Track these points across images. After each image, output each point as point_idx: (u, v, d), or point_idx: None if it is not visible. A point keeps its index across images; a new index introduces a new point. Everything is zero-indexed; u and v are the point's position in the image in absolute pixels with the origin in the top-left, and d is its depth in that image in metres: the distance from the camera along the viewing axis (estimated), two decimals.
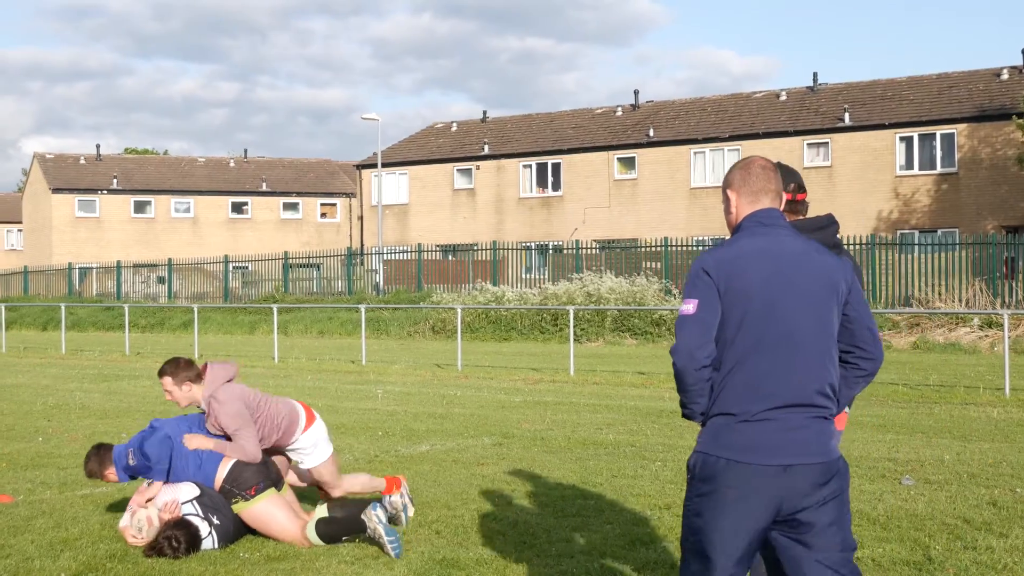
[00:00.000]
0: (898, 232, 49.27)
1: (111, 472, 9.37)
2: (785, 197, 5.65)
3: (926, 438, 14.54)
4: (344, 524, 9.03)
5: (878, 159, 52.78)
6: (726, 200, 5.51)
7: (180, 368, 9.50)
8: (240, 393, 9.28)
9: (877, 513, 9.75)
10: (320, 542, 8.94)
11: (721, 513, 5.06)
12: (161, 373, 9.64)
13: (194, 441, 9.20)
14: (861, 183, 52.06)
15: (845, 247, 6.33)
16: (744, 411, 5.06)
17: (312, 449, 9.67)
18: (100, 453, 9.50)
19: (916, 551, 8.50)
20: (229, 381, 9.40)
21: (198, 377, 9.40)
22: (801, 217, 6.31)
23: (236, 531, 9.19)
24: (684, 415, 5.28)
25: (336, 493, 9.86)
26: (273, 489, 9.20)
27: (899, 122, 52.73)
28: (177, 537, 8.72)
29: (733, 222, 5.48)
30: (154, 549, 8.71)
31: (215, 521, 9.00)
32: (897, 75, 59.98)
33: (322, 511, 9.45)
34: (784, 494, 5.01)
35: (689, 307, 5.14)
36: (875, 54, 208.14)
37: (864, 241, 41.79)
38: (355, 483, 10.07)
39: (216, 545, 8.93)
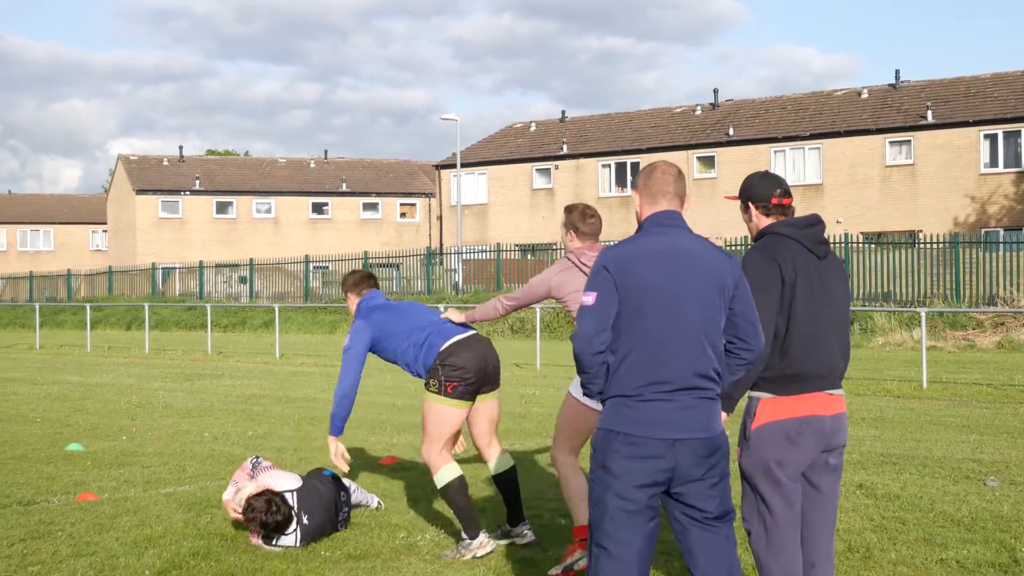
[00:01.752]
0: (982, 230, 48.73)
1: None
2: (772, 202, 6.39)
3: (1011, 439, 14.38)
4: (466, 514, 8.84)
5: (961, 157, 52.23)
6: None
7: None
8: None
9: (961, 515, 9.65)
10: (443, 481, 8.86)
11: (618, 481, 5.58)
12: None
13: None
14: (944, 181, 51.54)
15: (831, 247, 6.69)
16: (637, 392, 5.59)
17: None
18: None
19: (1002, 553, 8.41)
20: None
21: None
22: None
23: (320, 532, 9.25)
24: (585, 394, 5.90)
25: (486, 453, 9.42)
26: (468, 403, 8.96)
27: (983, 119, 52.15)
28: (277, 505, 8.86)
29: (639, 220, 6.02)
30: (251, 508, 8.85)
31: (304, 521, 9.06)
32: (981, 72, 59.39)
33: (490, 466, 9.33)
34: (673, 465, 5.55)
35: (589, 299, 5.68)
36: (958, 51, 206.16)
37: (947, 240, 41.35)
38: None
39: (297, 543, 8.98)
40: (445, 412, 8.81)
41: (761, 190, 6.46)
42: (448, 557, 8.62)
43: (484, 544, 8.64)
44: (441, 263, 56.68)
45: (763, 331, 5.86)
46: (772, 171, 44.93)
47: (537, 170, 65.80)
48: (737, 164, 57.74)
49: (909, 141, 53.91)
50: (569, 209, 8.68)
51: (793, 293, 6.15)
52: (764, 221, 6.44)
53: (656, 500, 5.63)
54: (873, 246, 43.86)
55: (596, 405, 7.75)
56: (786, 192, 6.44)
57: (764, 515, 6.20)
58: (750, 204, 6.49)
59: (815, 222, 6.39)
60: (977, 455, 12.92)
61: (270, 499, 8.86)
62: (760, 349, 5.90)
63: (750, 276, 5.94)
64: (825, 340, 6.26)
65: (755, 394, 6.20)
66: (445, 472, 8.83)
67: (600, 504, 5.62)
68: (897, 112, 55.75)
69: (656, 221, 5.88)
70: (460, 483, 8.83)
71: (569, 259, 8.53)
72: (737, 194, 6.61)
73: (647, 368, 5.58)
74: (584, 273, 8.03)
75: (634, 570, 5.57)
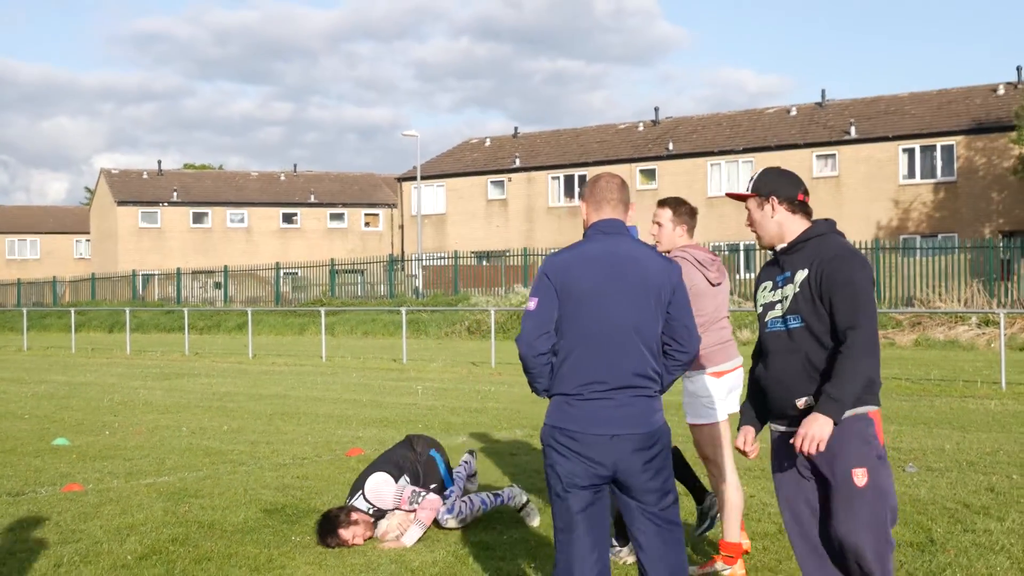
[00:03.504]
0: (900, 237, 49.18)
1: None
2: (799, 198, 5.82)
3: (927, 428, 14.50)
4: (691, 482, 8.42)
5: (882, 169, 52.69)
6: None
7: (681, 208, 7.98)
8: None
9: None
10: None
11: (564, 473, 5.60)
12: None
13: None
14: (866, 192, 51.94)
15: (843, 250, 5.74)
16: (578, 391, 5.60)
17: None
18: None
19: (919, 533, 8.50)
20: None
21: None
22: (810, 218, 5.88)
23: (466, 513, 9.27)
24: (532, 391, 5.84)
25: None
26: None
27: (902, 135, 52.67)
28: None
29: (585, 227, 5.97)
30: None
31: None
32: (900, 91, 59.83)
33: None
34: (615, 458, 5.54)
35: (531, 304, 5.68)
36: (879, 71, 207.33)
37: (869, 246, 41.66)
38: None
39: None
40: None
41: (787, 186, 5.83)
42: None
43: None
44: (403, 269, 56.69)
45: (876, 338, 5.45)
46: (707, 183, 45.15)
47: (492, 182, 65.90)
48: (676, 176, 58.03)
49: (834, 155, 54.31)
50: (678, 202, 7.98)
51: None
52: (791, 219, 5.76)
53: (602, 491, 5.65)
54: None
55: (720, 417, 7.62)
56: (807, 189, 5.89)
57: None
58: (773, 198, 5.78)
59: (829, 230, 5.81)
60: (896, 443, 13.03)
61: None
62: (694, 351, 5.81)
63: (864, 280, 5.49)
64: None
65: (865, 409, 5.50)
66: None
67: (552, 494, 5.69)
68: (823, 128, 56.13)
69: (599, 228, 5.83)
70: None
71: (684, 257, 7.67)
72: (751, 189, 5.86)
73: (586, 368, 5.57)
74: (700, 269, 7.67)
75: (587, 547, 5.60)
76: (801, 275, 5.57)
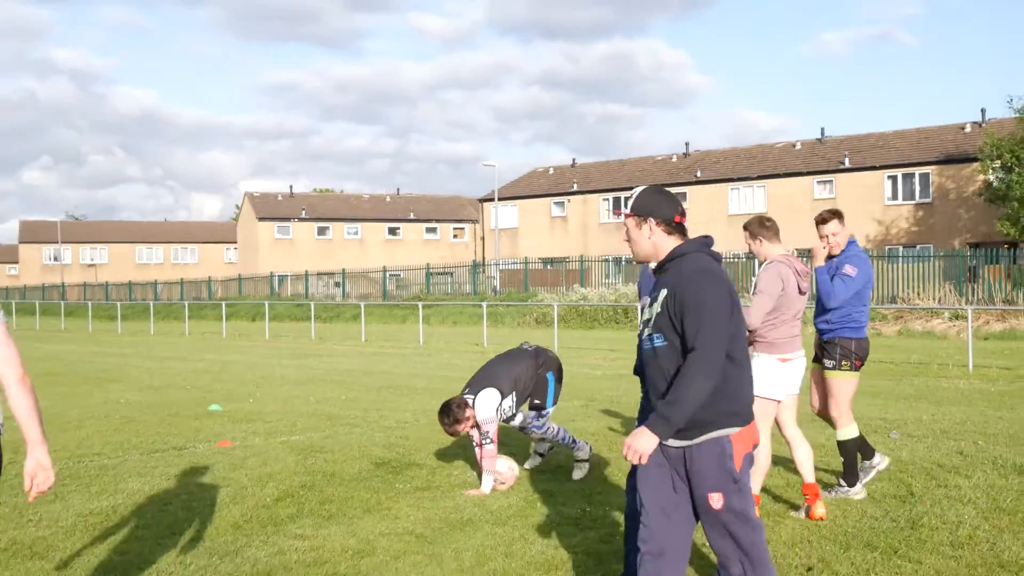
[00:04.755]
0: (886, 248, 48.52)
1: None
2: (675, 220, 4.74)
3: (908, 403, 14.29)
4: (851, 467, 8.12)
5: (871, 193, 52.09)
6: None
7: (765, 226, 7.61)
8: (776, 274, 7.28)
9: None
10: (847, 436, 8.12)
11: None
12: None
13: None
14: (858, 211, 51.26)
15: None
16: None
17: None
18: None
19: (901, 488, 8.37)
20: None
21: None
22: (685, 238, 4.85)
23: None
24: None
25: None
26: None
27: (887, 164, 52.04)
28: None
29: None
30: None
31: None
32: (885, 129, 59.11)
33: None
34: None
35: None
36: (869, 112, 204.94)
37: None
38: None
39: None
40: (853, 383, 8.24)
41: (664, 207, 4.76)
42: (831, 495, 8.01)
43: (859, 492, 8.06)
44: (484, 272, 56.69)
45: (717, 361, 4.42)
46: (728, 204, 44.29)
47: (554, 203, 65.81)
48: (703, 199, 57.64)
49: (832, 181, 53.70)
50: (768, 220, 7.63)
51: (735, 316, 4.61)
52: (666, 240, 4.73)
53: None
54: (804, 259, 43.59)
55: (777, 396, 7.26)
56: (683, 211, 4.83)
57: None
58: (651, 220, 4.74)
59: (713, 242, 4.83)
60: (883, 415, 12.86)
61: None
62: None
63: (711, 300, 4.46)
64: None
65: (721, 432, 4.54)
66: (851, 429, 8.18)
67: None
68: (823, 159, 55.52)
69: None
70: (856, 442, 8.17)
71: (787, 264, 7.32)
72: (629, 209, 4.82)
73: None
74: (796, 278, 7.32)
75: None
76: (663, 294, 4.58)
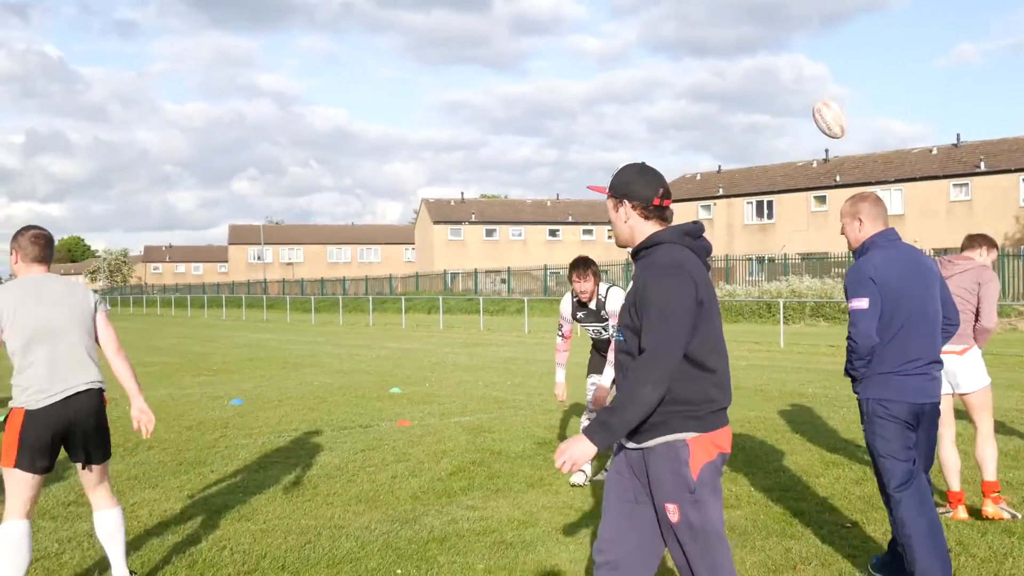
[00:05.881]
0: (1021, 247, 46.24)
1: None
2: (654, 203, 3.78)
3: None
4: None
5: (1006, 195, 49.58)
6: (857, 222, 5.33)
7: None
8: None
9: (1008, 448, 9.16)
10: None
11: (893, 436, 5.08)
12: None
13: None
14: (993, 212, 48.98)
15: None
16: (899, 368, 5.04)
17: None
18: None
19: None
20: None
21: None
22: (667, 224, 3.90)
23: None
24: (849, 374, 5.24)
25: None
26: None
27: (1021, 167, 49.52)
28: None
29: (860, 240, 5.30)
30: None
31: None
32: (1020, 134, 56.25)
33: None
34: (921, 419, 5.14)
35: (863, 303, 5.05)
36: (1004, 117, 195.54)
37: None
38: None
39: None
40: None
41: (641, 188, 3.78)
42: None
43: None
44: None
45: (667, 368, 3.54)
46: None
47: (701, 206, 64.82)
48: (842, 200, 55.91)
49: (967, 184, 51.34)
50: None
51: (705, 313, 3.68)
52: (643, 225, 3.79)
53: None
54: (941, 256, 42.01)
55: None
56: (668, 193, 3.82)
57: None
58: (626, 202, 3.80)
59: (703, 231, 3.84)
60: (1019, 407, 12.23)
61: None
62: (958, 324, 5.41)
63: (666, 298, 3.57)
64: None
65: (677, 436, 3.64)
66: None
67: (883, 454, 5.12)
68: (958, 163, 53.13)
69: (887, 237, 5.24)
70: None
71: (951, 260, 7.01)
72: (607, 187, 3.90)
73: (909, 348, 5.08)
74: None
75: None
76: (631, 287, 3.78)
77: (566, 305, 8.25)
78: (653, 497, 3.69)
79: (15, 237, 5.20)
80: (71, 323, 5.11)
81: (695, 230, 3.78)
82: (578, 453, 3.54)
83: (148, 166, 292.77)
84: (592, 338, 8.32)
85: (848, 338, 5.14)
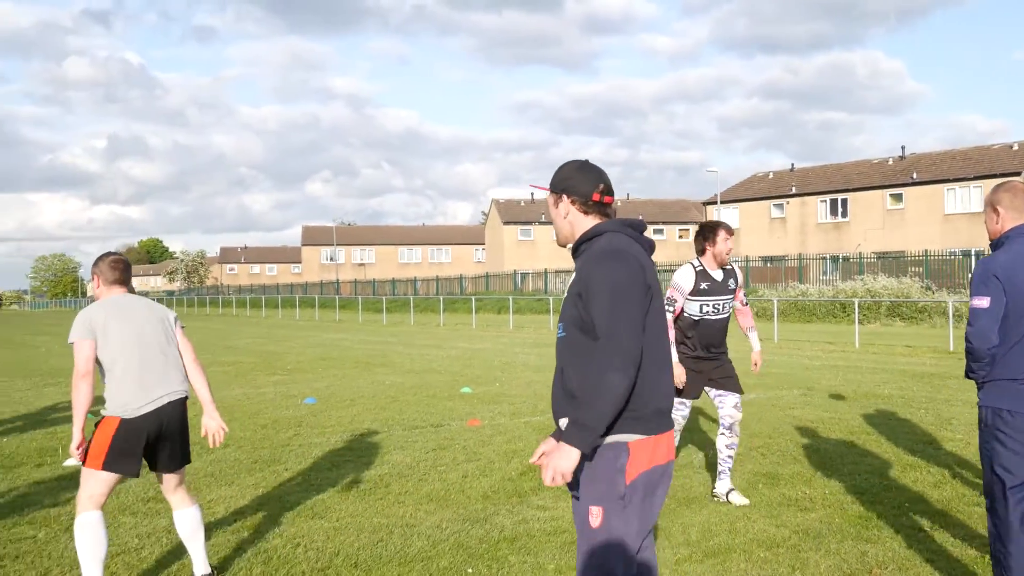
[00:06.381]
0: None
1: None
2: (593, 198, 3.59)
3: None
4: None
5: None
6: (994, 213, 4.84)
7: None
8: None
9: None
10: None
11: (1009, 449, 4.59)
12: None
13: None
14: None
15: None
16: (1022, 376, 4.54)
17: None
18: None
19: None
20: None
21: None
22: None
23: None
24: (969, 377, 4.76)
25: None
26: None
27: None
28: None
29: (998, 232, 4.82)
30: None
31: None
32: None
33: None
34: None
35: (983, 302, 4.58)
36: None
37: None
38: None
39: None
40: None
41: (581, 183, 3.61)
42: None
43: None
44: None
45: (631, 351, 3.26)
46: (944, 205, 41.75)
47: (774, 205, 64.04)
48: (918, 200, 54.91)
49: None
50: None
51: (650, 304, 3.43)
52: (583, 220, 3.61)
53: None
54: None
55: None
56: (609, 189, 3.64)
57: None
58: (564, 198, 3.64)
59: (645, 227, 3.64)
60: None
61: None
62: None
63: (613, 281, 3.32)
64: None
65: (619, 438, 3.38)
66: None
67: (997, 466, 4.65)
68: None
69: (1020, 231, 4.73)
70: None
71: None
72: (548, 185, 3.73)
73: None
74: None
75: None
76: (573, 279, 3.53)
77: (688, 278, 7.37)
78: (580, 498, 3.44)
79: (96, 263, 5.57)
80: (156, 336, 5.41)
81: (638, 224, 3.62)
82: (563, 463, 3.26)
83: (224, 169, 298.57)
84: (694, 318, 7.37)
85: (965, 338, 4.74)
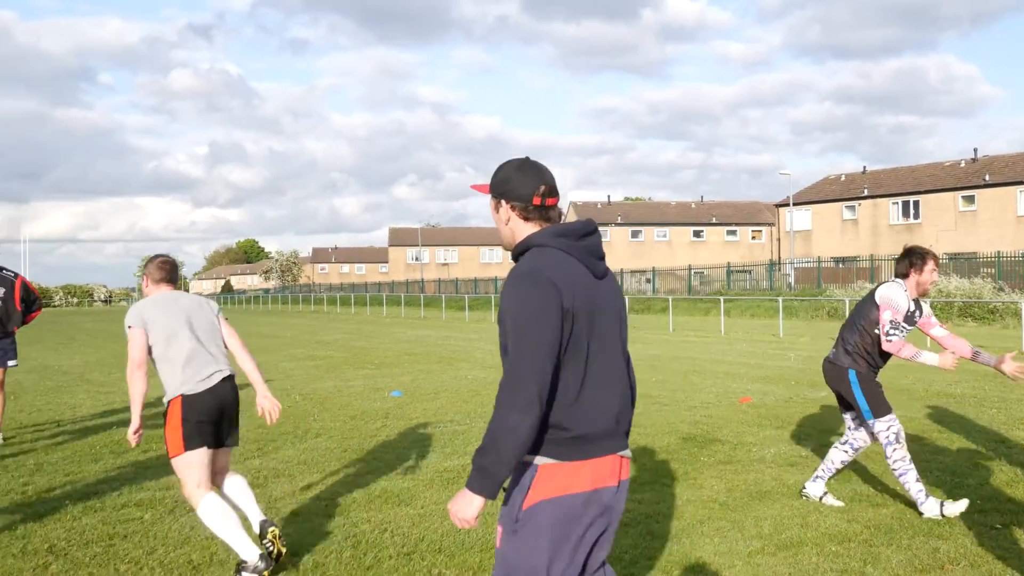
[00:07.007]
0: None
1: None
2: (533, 202, 3.13)
3: None
4: None
5: None
6: None
7: None
8: None
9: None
10: None
11: None
12: None
13: None
14: None
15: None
16: None
17: None
18: None
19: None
20: None
21: None
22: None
23: None
24: None
25: None
26: None
27: None
28: None
29: None
30: None
31: None
32: None
33: None
34: None
35: None
36: None
37: None
38: None
39: None
40: None
41: (519, 185, 3.13)
42: None
43: None
44: (780, 270, 55.09)
45: (532, 388, 2.84)
46: (1017, 206, 40.72)
47: (845, 207, 62.88)
48: (991, 201, 53.50)
49: None
50: None
51: (573, 326, 2.96)
52: (524, 227, 3.16)
53: None
54: None
55: None
56: (551, 190, 3.17)
57: None
58: (503, 203, 3.16)
59: (591, 230, 3.22)
60: None
61: None
62: None
63: (519, 309, 2.90)
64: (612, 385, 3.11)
65: (536, 458, 2.99)
66: None
67: None
68: None
69: None
70: None
71: None
72: (489, 185, 3.22)
73: None
74: None
75: None
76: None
77: (903, 298, 6.75)
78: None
79: (146, 265, 5.84)
80: (202, 322, 5.66)
81: (577, 230, 3.14)
82: (466, 511, 2.93)
83: (316, 174, 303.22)
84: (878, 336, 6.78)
85: None
